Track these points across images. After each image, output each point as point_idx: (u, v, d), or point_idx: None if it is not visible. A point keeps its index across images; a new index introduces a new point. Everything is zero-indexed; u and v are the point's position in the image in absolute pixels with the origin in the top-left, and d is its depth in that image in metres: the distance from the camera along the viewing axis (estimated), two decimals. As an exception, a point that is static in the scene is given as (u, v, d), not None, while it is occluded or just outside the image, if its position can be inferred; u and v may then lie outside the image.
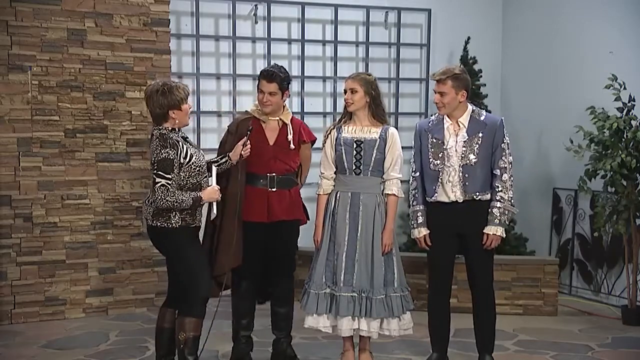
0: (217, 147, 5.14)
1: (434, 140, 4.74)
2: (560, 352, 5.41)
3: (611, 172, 6.03)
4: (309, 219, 5.16)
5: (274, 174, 4.87)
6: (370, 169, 4.68)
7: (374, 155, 4.66)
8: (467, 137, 4.68)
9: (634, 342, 5.70)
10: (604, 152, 6.14)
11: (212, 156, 4.87)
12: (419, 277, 6.30)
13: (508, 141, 4.74)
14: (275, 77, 4.80)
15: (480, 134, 4.68)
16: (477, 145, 4.67)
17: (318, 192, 4.82)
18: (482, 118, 4.74)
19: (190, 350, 4.47)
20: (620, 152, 5.98)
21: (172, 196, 4.31)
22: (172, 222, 4.39)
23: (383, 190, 4.72)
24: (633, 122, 6.08)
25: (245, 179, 4.80)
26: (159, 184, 4.30)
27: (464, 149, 4.67)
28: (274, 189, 4.85)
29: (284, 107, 4.95)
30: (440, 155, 4.71)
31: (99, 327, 5.99)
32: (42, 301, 6.15)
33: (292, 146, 4.88)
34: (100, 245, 6.34)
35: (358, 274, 4.64)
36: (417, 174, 4.82)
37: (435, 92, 4.72)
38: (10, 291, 6.05)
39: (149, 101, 4.43)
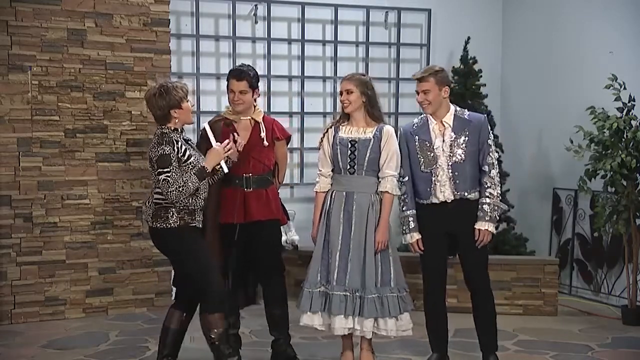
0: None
1: (421, 142, 4.74)
2: (560, 352, 5.41)
3: (611, 172, 6.03)
4: (289, 219, 5.17)
5: (249, 174, 4.86)
6: (364, 168, 4.69)
7: (368, 155, 4.67)
8: (453, 136, 4.70)
9: (634, 342, 5.70)
10: (604, 152, 6.14)
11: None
12: (417, 277, 6.25)
13: (492, 137, 4.78)
14: (244, 75, 4.82)
15: (466, 131, 4.70)
16: (464, 143, 4.69)
17: (315, 189, 4.83)
18: (465, 116, 4.77)
19: (226, 344, 4.51)
20: (620, 152, 5.98)
21: (174, 184, 4.29)
22: (171, 222, 4.39)
23: (378, 189, 4.72)
24: (633, 122, 6.07)
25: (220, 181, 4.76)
26: (161, 180, 4.30)
27: (451, 147, 4.69)
28: (250, 189, 4.85)
29: (255, 106, 4.94)
30: (430, 156, 4.72)
31: (99, 327, 5.99)
32: (42, 301, 6.15)
33: (265, 143, 4.86)
34: (100, 245, 6.34)
35: (351, 273, 4.65)
36: (407, 178, 4.80)
37: (418, 92, 4.74)
38: (10, 291, 6.05)
39: (149, 104, 4.46)
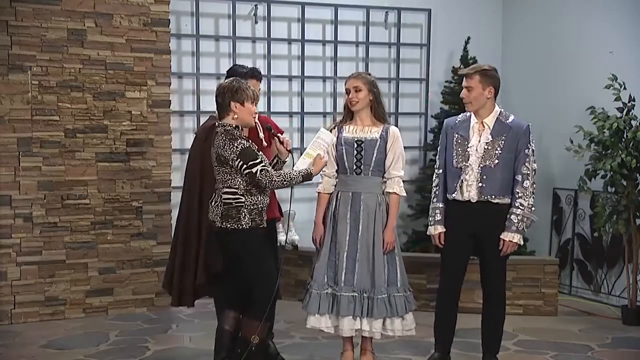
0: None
1: (460, 138, 4.74)
2: (560, 352, 5.41)
3: (611, 172, 6.03)
4: (282, 216, 5.18)
5: None
6: (370, 168, 4.68)
7: (375, 155, 4.66)
8: (490, 139, 4.66)
9: (634, 342, 5.70)
10: (604, 152, 6.14)
11: None
12: (419, 277, 6.30)
13: (533, 148, 4.68)
14: (262, 76, 4.97)
15: (504, 137, 4.64)
16: (500, 148, 4.64)
17: (318, 190, 4.82)
18: (508, 121, 4.69)
19: (259, 354, 4.47)
20: (620, 152, 5.98)
21: (279, 176, 4.30)
22: (243, 223, 4.32)
23: (384, 189, 4.72)
24: (633, 122, 6.08)
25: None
26: (258, 170, 4.25)
27: (485, 150, 4.66)
28: None
29: None
30: (463, 153, 4.70)
31: (99, 327, 5.99)
32: (42, 301, 6.15)
33: (264, 144, 4.85)
34: (100, 245, 6.33)
35: (359, 274, 4.64)
36: (441, 171, 4.82)
37: (463, 87, 4.72)
38: (10, 291, 6.05)
39: (217, 91, 4.43)
